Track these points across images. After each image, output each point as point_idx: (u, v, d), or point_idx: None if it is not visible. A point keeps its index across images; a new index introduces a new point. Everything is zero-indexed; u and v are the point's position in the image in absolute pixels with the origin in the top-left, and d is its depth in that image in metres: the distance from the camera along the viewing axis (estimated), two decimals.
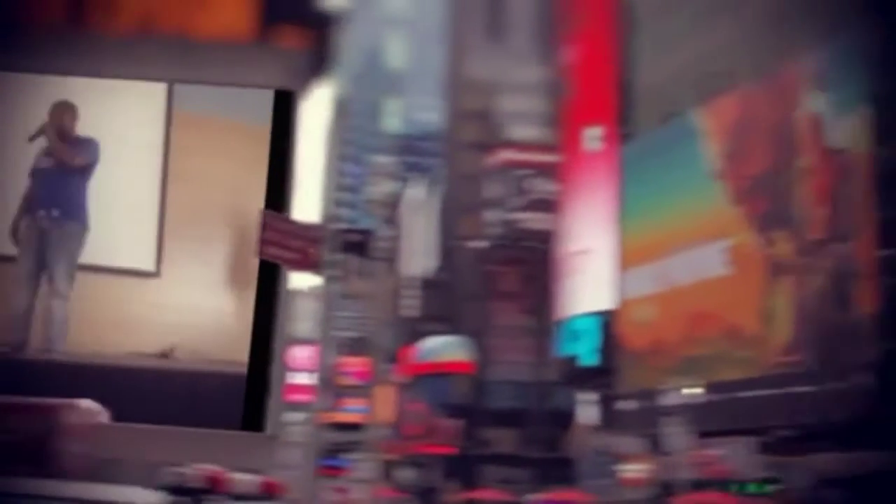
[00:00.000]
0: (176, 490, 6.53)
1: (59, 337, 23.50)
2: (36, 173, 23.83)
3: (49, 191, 23.79)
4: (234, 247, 22.65)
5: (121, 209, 24.02)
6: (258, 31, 24.65)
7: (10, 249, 24.09)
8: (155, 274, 24.01)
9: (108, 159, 24.25)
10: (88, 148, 23.52)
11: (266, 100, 24.68)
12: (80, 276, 23.92)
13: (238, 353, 23.53)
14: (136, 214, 24.07)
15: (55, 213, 23.59)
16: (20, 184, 24.29)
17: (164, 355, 23.39)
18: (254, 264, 22.84)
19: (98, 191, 23.92)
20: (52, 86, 24.72)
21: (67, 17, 24.65)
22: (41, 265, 23.71)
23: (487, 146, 41.54)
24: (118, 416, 21.47)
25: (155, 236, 23.92)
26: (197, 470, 6.69)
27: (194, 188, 24.04)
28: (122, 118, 24.54)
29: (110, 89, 24.78)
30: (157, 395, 22.98)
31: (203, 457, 8.03)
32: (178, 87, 24.93)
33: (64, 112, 23.97)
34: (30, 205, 23.77)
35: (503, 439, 38.08)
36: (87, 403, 17.06)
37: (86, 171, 23.74)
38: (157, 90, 24.98)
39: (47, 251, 23.65)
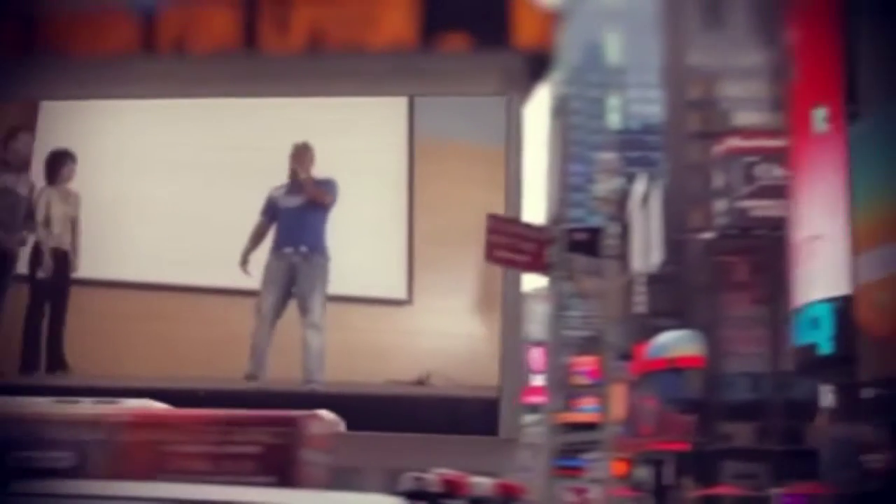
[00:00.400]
0: (415, 495, 6.58)
1: (318, 367, 24.29)
2: (280, 212, 24.75)
3: (295, 228, 24.68)
4: (483, 271, 22.82)
5: (370, 240, 24.60)
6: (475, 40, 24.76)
7: (235, 282, 25.03)
8: (407, 302, 24.44)
9: (352, 191, 24.94)
10: (331, 187, 24.48)
11: (499, 118, 24.78)
12: (334, 307, 24.57)
13: (492, 377, 23.76)
14: (385, 244, 24.58)
15: (303, 249, 24.50)
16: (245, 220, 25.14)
17: (420, 382, 23.77)
18: (498, 283, 23.18)
19: (346, 223, 24.59)
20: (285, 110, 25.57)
21: (243, 39, 25.38)
22: (286, 300, 24.57)
23: (712, 135, 40.86)
24: None
25: (405, 265, 24.38)
26: (435, 474, 6.73)
27: (439, 214, 24.41)
28: (362, 150, 25.13)
29: (345, 120, 25.40)
30: (414, 421, 23.40)
31: (440, 462, 8.09)
32: (418, 114, 25.30)
33: (304, 153, 24.95)
34: (276, 242, 24.66)
35: (739, 433, 37.33)
36: (326, 414, 17.36)
37: (328, 208, 24.57)
38: (395, 115, 25.44)
39: (296, 285, 24.50)
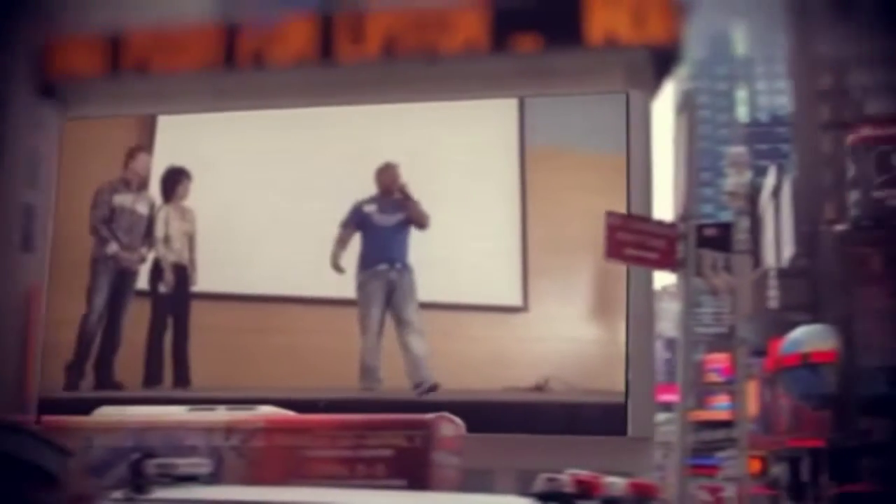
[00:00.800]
0: (548, 496, 6.54)
1: (425, 370, 24.57)
2: (373, 228, 25.15)
3: (389, 245, 25.04)
4: (600, 274, 22.72)
5: (484, 247, 24.70)
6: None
7: (342, 292, 25.28)
8: (523, 309, 24.47)
9: (466, 198, 25.02)
10: (418, 205, 25.01)
11: (617, 113, 24.62)
12: (451, 316, 24.77)
13: (612, 382, 23.61)
14: (500, 251, 24.65)
15: (399, 265, 24.95)
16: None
17: (539, 388, 23.77)
18: (621, 284, 23.02)
19: (461, 231, 24.73)
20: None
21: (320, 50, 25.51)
22: (385, 314, 24.97)
23: (843, 124, 39.98)
24: None
25: (520, 271, 24.42)
26: (569, 475, 6.68)
27: (552, 221, 24.38)
28: (475, 156, 25.19)
29: (457, 126, 25.46)
30: (537, 427, 23.44)
31: (572, 462, 8.03)
32: (530, 116, 25.30)
33: (394, 171, 25.38)
34: (368, 259, 25.08)
35: (877, 428, 36.48)
36: (454, 417, 17.44)
37: (414, 225, 25.02)
38: (506, 119, 25.43)
39: (394, 299, 24.89)
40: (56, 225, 28.12)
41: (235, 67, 26.33)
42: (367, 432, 16.48)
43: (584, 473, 7.13)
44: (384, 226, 25.22)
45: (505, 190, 25.04)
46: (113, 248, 26.59)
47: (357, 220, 25.31)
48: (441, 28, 25.25)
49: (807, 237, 42.35)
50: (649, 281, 24.89)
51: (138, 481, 7.24)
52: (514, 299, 24.53)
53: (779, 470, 40.49)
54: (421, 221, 24.91)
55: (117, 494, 7.18)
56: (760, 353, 38.30)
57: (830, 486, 34.56)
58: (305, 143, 26.07)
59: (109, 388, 25.62)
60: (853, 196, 38.67)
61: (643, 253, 14.35)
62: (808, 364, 36.44)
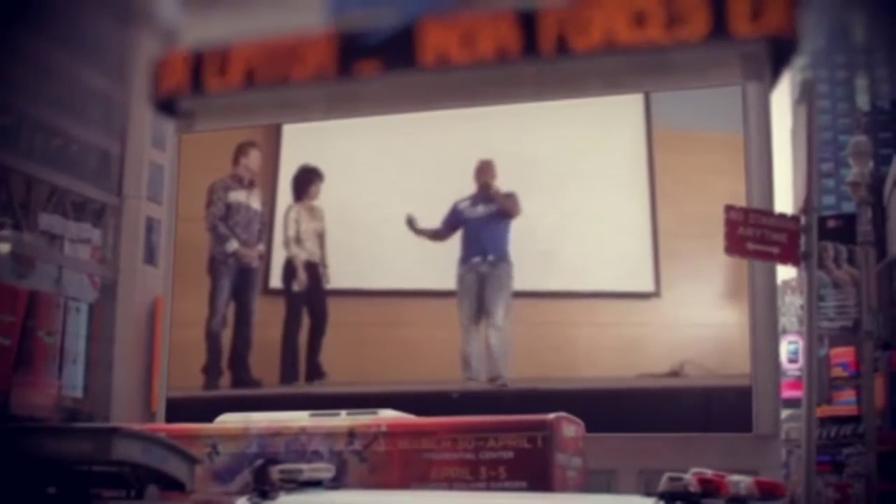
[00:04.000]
0: (672, 496, 6.45)
1: (503, 366, 24.70)
2: (466, 222, 25.28)
3: (481, 238, 25.15)
4: (731, 260, 22.41)
5: (616, 235, 24.65)
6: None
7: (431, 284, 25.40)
8: (655, 294, 24.34)
9: (596, 189, 25.02)
10: (515, 199, 25.05)
11: (735, 104, 24.36)
12: (584, 304, 24.80)
13: (745, 365, 23.38)
14: (631, 238, 24.58)
15: (490, 258, 25.03)
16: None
17: (675, 374, 23.62)
18: (745, 272, 22.76)
19: (592, 220, 24.72)
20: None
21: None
22: (480, 306, 25.05)
23: None
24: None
25: (651, 257, 24.32)
26: (692, 474, 6.57)
27: (680, 205, 24.20)
28: (603, 147, 25.18)
29: (584, 120, 25.45)
30: (667, 418, 23.30)
31: (696, 461, 7.89)
32: (654, 104, 25.16)
33: (489, 167, 25.49)
34: (465, 253, 25.25)
35: None
36: (575, 418, 17.35)
37: (513, 218, 25.10)
38: (629, 110, 25.34)
39: (484, 291, 24.95)
40: (177, 237, 28.57)
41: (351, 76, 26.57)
42: (488, 434, 16.46)
43: (708, 472, 7.03)
44: (476, 219, 25.35)
45: (634, 176, 24.95)
46: (233, 245, 26.88)
47: (453, 217, 25.47)
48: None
49: None
50: (772, 276, 24.54)
51: (263, 487, 7.32)
52: (647, 285, 24.39)
53: None
54: (511, 212, 24.98)
55: (242, 500, 7.26)
56: (887, 346, 37.36)
57: None
58: (420, 146, 26.24)
59: (247, 386, 25.90)
60: None
61: (765, 247, 14.07)
62: None
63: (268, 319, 26.51)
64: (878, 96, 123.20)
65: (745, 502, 7.17)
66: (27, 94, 42.56)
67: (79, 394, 44.59)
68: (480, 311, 25.02)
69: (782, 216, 14.43)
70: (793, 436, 34.87)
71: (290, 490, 7.28)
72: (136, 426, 16.32)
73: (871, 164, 23.50)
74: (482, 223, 25.29)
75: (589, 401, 21.78)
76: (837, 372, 47.04)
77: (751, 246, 14.06)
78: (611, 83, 25.05)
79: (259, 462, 16.76)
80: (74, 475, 10.71)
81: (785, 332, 45.44)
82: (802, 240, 13.97)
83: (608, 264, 24.70)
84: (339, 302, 26.23)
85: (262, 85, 26.86)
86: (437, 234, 25.39)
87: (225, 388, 26.08)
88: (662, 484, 6.90)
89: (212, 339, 26.60)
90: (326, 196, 26.60)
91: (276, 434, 17.72)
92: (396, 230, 25.59)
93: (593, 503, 9.64)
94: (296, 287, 26.52)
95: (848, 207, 55.95)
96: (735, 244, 14.04)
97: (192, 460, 11.79)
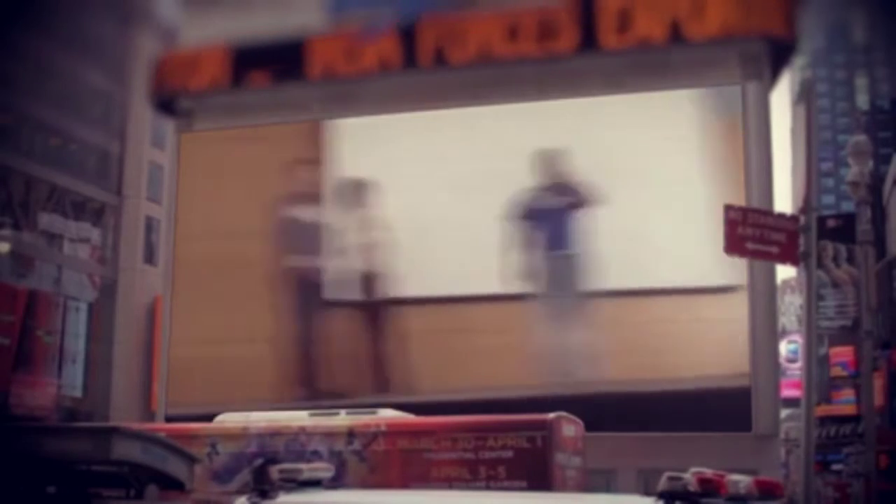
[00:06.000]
0: (672, 495, 6.46)
1: (576, 366, 24.56)
2: (541, 214, 25.04)
3: (557, 230, 24.95)
4: None
5: (690, 229, 24.42)
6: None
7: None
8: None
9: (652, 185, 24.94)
10: (593, 188, 24.43)
11: (734, 96, 24.42)
12: (659, 301, 24.77)
13: (742, 364, 23.41)
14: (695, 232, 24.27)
15: (567, 250, 24.86)
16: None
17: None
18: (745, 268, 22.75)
19: (663, 216, 24.55)
20: None
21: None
22: (560, 300, 24.84)
23: None
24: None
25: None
26: (692, 473, 6.58)
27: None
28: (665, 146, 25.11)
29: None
30: (667, 414, 23.41)
31: (695, 461, 7.90)
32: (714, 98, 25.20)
33: (558, 158, 25.30)
34: (544, 244, 24.97)
35: None
36: (574, 417, 17.37)
37: (587, 207, 24.86)
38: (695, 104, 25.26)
39: (561, 286, 24.77)
40: (177, 238, 28.54)
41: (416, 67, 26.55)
42: (488, 434, 16.47)
43: (707, 472, 7.03)
44: (549, 210, 25.05)
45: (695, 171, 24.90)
46: (295, 260, 26.70)
47: (524, 210, 25.20)
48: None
49: None
50: (771, 275, 24.57)
51: (262, 486, 7.32)
52: (721, 279, 24.13)
53: None
54: (589, 202, 24.71)
55: (242, 500, 7.26)
56: (886, 345, 37.42)
57: None
58: (473, 141, 26.02)
59: (322, 398, 25.68)
60: None
61: (764, 247, 14.08)
62: None
63: (330, 332, 26.30)
64: (878, 96, 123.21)
65: (744, 502, 7.18)
66: (27, 94, 42.59)
67: (78, 393, 44.62)
68: (561, 306, 24.77)
69: (781, 215, 14.44)
70: (792, 435, 34.94)
71: (289, 490, 7.28)
72: (136, 426, 16.33)
73: (870, 163, 23.50)
74: (556, 215, 24.98)
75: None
76: (837, 371, 47.09)
77: (750, 245, 14.07)
78: (611, 83, 25.07)
79: (258, 462, 16.76)
80: (74, 475, 10.71)
81: (784, 331, 45.48)
82: (802, 239, 13.98)
83: (693, 260, 24.45)
84: (402, 310, 25.97)
85: (265, 85, 26.78)
86: (520, 234, 25.19)
87: (299, 400, 25.91)
88: (662, 483, 6.90)
89: (282, 352, 26.38)
90: (381, 203, 26.38)
91: (275, 434, 17.72)
92: (454, 232, 25.35)
93: (593, 502, 9.64)
94: (356, 297, 26.29)
95: (847, 207, 55.99)
96: (734, 243, 14.05)
97: (191, 460, 11.79)
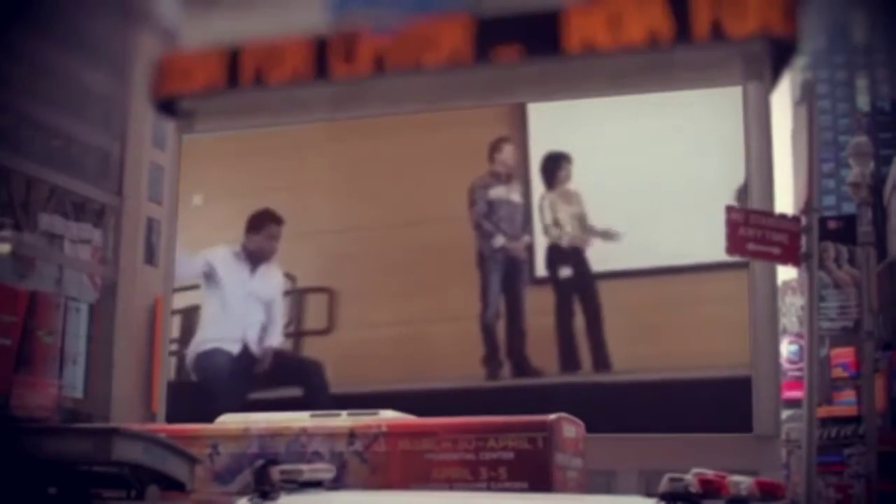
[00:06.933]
0: (673, 496, 6.45)
1: None
2: None
3: None
4: None
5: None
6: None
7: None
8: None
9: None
10: None
11: (734, 97, 24.46)
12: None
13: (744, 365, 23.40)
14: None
15: None
16: None
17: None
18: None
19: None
20: None
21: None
22: None
23: None
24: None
25: None
26: (693, 474, 6.58)
27: None
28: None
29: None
30: (668, 414, 23.38)
31: (696, 461, 7.90)
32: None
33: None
34: None
35: None
36: (575, 419, 17.36)
37: None
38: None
39: None
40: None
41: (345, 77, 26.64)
42: (488, 435, 16.46)
43: (709, 473, 7.03)
44: None
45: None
46: (500, 240, 26.75)
47: None
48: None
49: None
50: (773, 276, 24.55)
51: (263, 487, 7.32)
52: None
53: None
54: None
55: (243, 500, 7.26)
56: (887, 346, 37.39)
57: None
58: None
59: (528, 376, 25.64)
60: None
61: (765, 248, 14.09)
62: None
63: (539, 308, 26.22)
64: (879, 97, 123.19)
65: (745, 503, 7.18)
66: (27, 94, 42.59)
67: (79, 394, 44.62)
68: None
69: (783, 217, 14.45)
70: (793, 436, 34.89)
71: (290, 490, 7.27)
72: (137, 426, 16.33)
73: (871, 164, 23.54)
74: None
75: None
76: (838, 372, 47.02)
77: (752, 246, 14.08)
78: (617, 83, 25.14)
79: (259, 462, 16.75)
80: (75, 475, 10.71)
81: (786, 332, 45.45)
82: (803, 240, 13.98)
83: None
84: (615, 285, 25.70)
85: (392, 71, 26.69)
86: None
87: (506, 378, 25.80)
88: (663, 484, 6.90)
89: (487, 331, 26.31)
90: (580, 179, 26.35)
91: (276, 434, 17.72)
92: (656, 203, 25.13)
93: None
94: (563, 273, 26.21)
95: (848, 208, 55.94)
96: (736, 244, 14.05)
97: (192, 460, 11.79)
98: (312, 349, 27.38)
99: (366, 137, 27.67)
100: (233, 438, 17.94)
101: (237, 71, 27.73)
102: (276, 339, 27.75)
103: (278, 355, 27.48)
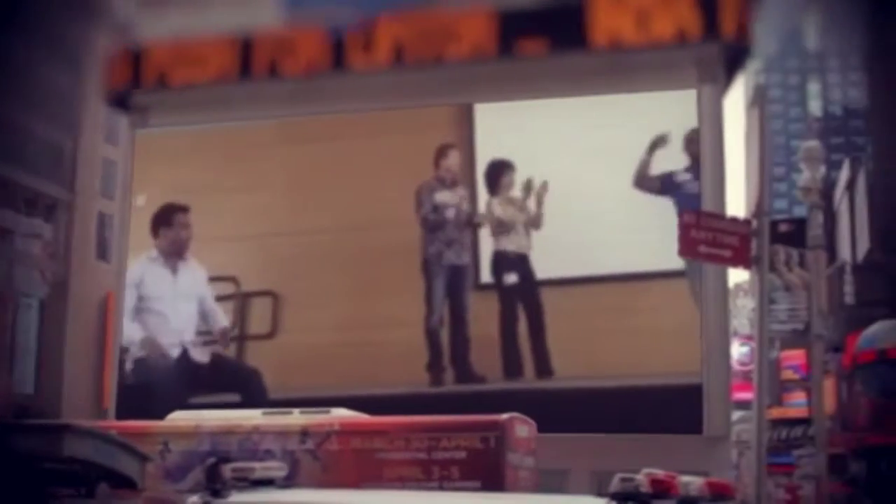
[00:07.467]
0: (624, 496, 6.50)
1: None
2: (678, 193, 25.07)
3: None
4: None
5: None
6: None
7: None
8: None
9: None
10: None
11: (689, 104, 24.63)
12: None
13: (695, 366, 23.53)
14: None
15: None
16: None
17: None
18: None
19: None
20: None
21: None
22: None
23: None
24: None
25: None
26: (644, 475, 6.62)
27: None
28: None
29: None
30: (620, 415, 23.51)
31: (647, 462, 7.97)
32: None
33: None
34: None
35: None
36: (527, 418, 17.42)
37: None
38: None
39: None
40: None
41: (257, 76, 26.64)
42: (441, 434, 16.49)
43: (659, 473, 7.08)
44: (692, 194, 24.74)
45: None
46: (442, 246, 26.61)
47: (665, 186, 25.04)
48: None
49: (883, 231, 41.67)
50: (724, 279, 24.72)
51: (215, 485, 7.30)
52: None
53: (857, 468, 39.84)
54: None
55: (194, 498, 7.24)
56: (837, 349, 37.75)
57: None
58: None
59: (471, 382, 25.51)
60: None
61: (717, 250, 14.22)
62: (885, 360, 35.80)
63: (484, 314, 26.11)
64: (830, 102, 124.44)
65: (696, 503, 7.23)
66: None
67: (30, 390, 44.18)
68: None
69: (734, 220, 14.58)
70: (744, 437, 35.13)
71: (242, 489, 7.26)
72: (87, 423, 16.22)
73: (822, 169, 23.77)
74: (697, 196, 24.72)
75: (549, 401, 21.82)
76: (788, 374, 47.47)
77: (703, 249, 14.19)
78: (573, 85, 25.23)
79: (211, 460, 16.68)
80: (25, 472, 10.63)
81: (737, 334, 45.78)
82: (754, 243, 14.11)
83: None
84: (559, 291, 25.61)
85: (412, 63, 26.46)
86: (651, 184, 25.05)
87: (449, 384, 25.66)
88: (614, 484, 6.94)
89: (432, 337, 26.14)
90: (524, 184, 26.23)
91: (228, 432, 17.66)
92: (603, 209, 25.14)
93: (546, 503, 9.68)
94: (508, 280, 26.10)
95: (799, 212, 56.42)
96: (688, 246, 14.16)
97: (142, 458, 11.75)
98: (255, 354, 27.19)
99: (316, 139, 27.54)
100: (184, 436, 17.86)
101: (189, 65, 27.53)
102: (223, 321, 27.58)
103: (217, 360, 27.32)
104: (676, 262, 23.18)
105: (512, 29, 25.29)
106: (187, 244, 28.06)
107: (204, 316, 27.71)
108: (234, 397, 26.17)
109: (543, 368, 25.13)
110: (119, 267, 29.18)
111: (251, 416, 18.33)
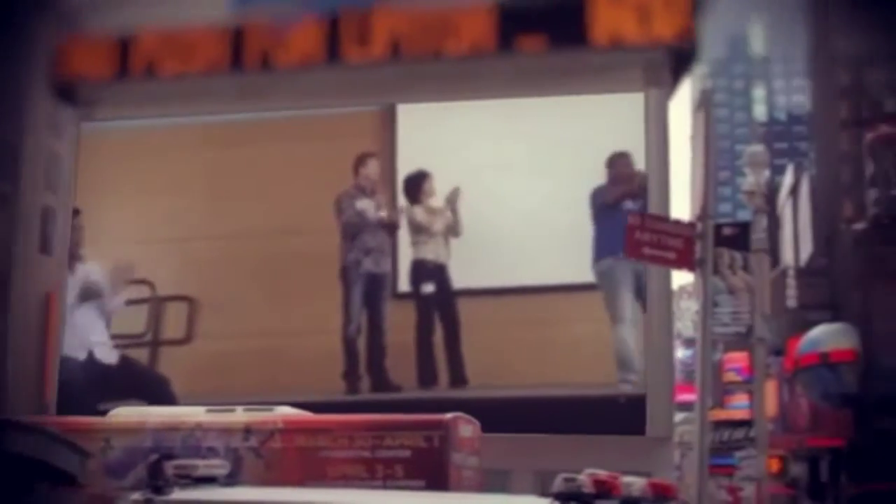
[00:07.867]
0: (567, 496, 6.53)
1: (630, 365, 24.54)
2: (608, 213, 24.87)
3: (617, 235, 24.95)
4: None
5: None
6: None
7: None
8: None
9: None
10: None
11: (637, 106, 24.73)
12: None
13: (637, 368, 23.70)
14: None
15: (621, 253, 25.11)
16: None
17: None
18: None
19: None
20: None
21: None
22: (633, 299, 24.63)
23: (862, 123, 39.78)
24: None
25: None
26: (587, 475, 6.66)
27: None
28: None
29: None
30: (563, 416, 23.59)
31: (590, 462, 8.02)
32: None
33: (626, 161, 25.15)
34: (610, 244, 24.78)
35: None
36: (471, 417, 17.46)
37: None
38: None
39: (624, 288, 24.67)
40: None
41: (243, 69, 26.43)
42: (385, 433, 16.48)
43: (602, 473, 7.12)
44: (623, 212, 24.57)
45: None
46: (361, 254, 26.35)
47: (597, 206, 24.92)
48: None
49: (825, 235, 42.15)
50: (667, 281, 24.88)
51: (157, 482, 7.26)
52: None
53: (798, 470, 40.29)
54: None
55: (136, 495, 7.20)
56: (779, 352, 38.20)
57: (850, 486, 34.38)
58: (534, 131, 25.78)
59: (387, 391, 25.31)
60: (872, 194, 38.51)
61: (661, 252, 14.31)
62: (827, 363, 36.22)
63: (400, 323, 25.91)
64: (775, 107, 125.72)
65: (638, 503, 7.28)
66: None
67: None
68: (629, 306, 24.58)
69: (679, 222, 14.68)
70: (686, 439, 35.41)
71: (184, 486, 7.23)
72: (28, 419, 16.06)
73: (766, 173, 24.02)
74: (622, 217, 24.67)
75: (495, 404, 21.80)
76: (731, 377, 47.95)
77: (647, 251, 14.28)
78: (513, 86, 25.23)
79: (154, 457, 16.53)
80: None
81: (680, 336, 46.13)
82: (698, 246, 14.22)
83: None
84: (475, 302, 25.49)
85: (409, 58, 26.20)
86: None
87: (365, 392, 25.48)
88: (557, 484, 6.97)
89: (348, 345, 25.86)
90: (447, 190, 26.04)
91: (171, 429, 17.54)
92: (524, 222, 25.03)
93: (488, 503, 9.71)
94: (425, 290, 25.89)
95: (743, 215, 57.01)
96: (632, 248, 14.25)
97: (83, 454, 11.65)
98: (169, 359, 26.83)
99: (239, 143, 27.25)
100: (126, 432, 17.72)
101: (134, 59, 27.30)
102: (117, 303, 27.51)
103: (125, 364, 27.06)
104: (590, 276, 24.29)
105: (434, 30, 25.35)
106: (79, 245, 28.20)
107: (101, 311, 27.54)
108: (143, 403, 25.72)
109: (458, 377, 25.19)
110: (61, 261, 28.90)
111: (194, 413, 18.21)
